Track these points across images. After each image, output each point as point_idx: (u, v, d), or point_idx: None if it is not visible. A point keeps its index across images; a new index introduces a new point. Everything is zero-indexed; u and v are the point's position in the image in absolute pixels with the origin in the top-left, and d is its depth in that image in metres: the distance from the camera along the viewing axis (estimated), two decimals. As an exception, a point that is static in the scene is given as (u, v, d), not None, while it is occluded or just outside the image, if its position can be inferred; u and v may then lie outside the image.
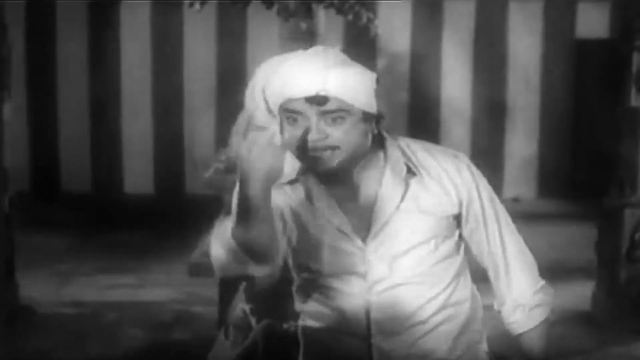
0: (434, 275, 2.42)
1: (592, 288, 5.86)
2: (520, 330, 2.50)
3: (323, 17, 6.67)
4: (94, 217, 8.22)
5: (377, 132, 2.38)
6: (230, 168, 6.74)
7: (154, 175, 9.16)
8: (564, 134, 9.10)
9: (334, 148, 2.29)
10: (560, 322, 5.60)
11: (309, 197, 2.43)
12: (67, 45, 9.03)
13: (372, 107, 2.32)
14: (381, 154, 2.41)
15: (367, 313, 2.42)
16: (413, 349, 2.43)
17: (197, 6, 6.59)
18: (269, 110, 2.40)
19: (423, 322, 2.43)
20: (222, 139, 8.62)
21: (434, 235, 2.41)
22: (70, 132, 9.12)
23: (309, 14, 6.52)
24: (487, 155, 8.79)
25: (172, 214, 8.04)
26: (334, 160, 2.30)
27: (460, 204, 2.43)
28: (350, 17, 6.56)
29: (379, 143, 2.41)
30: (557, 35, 8.96)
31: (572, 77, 9.04)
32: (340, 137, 2.28)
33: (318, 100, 2.26)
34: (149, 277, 6.58)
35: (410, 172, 2.40)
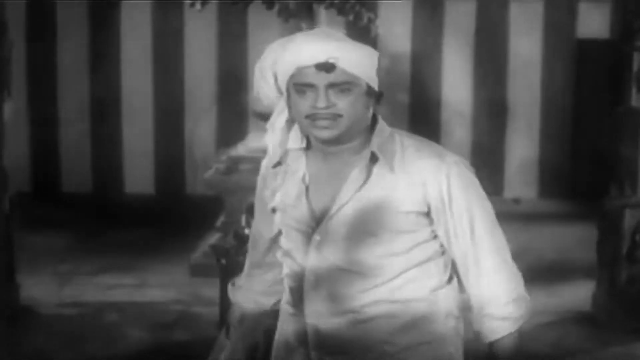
0: (376, 267, 2.43)
1: (592, 288, 5.86)
2: (485, 340, 2.47)
3: (324, 18, 6.67)
4: (95, 217, 8.22)
5: (373, 114, 2.46)
6: (231, 168, 6.75)
7: (155, 176, 9.16)
8: (564, 134, 9.10)
9: (337, 117, 2.38)
10: (561, 322, 5.60)
11: (288, 177, 2.51)
12: (68, 45, 9.03)
13: (374, 82, 2.43)
14: (367, 140, 2.46)
15: (302, 291, 2.50)
16: (346, 334, 2.46)
17: (197, 6, 6.58)
18: (277, 88, 2.49)
19: (355, 311, 2.45)
20: (222, 139, 8.63)
21: (386, 229, 2.42)
22: (71, 132, 9.12)
23: (309, 14, 6.52)
24: (488, 156, 8.79)
25: (173, 214, 8.04)
26: (336, 128, 2.39)
27: (429, 204, 2.43)
28: (351, 17, 6.55)
29: (371, 129, 2.47)
30: (558, 35, 8.96)
31: (572, 77, 9.03)
32: (345, 106, 2.38)
33: (327, 67, 2.36)
34: (150, 277, 6.58)
35: (374, 160, 2.43)
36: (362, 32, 6.69)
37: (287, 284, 2.57)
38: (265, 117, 7.56)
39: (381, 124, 2.48)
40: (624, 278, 5.62)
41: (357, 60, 2.39)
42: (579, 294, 5.88)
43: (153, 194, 9.10)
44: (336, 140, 2.42)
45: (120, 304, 5.98)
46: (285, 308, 2.60)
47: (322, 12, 6.63)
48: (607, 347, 5.35)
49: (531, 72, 9.02)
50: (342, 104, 2.37)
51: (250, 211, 4.32)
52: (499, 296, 2.43)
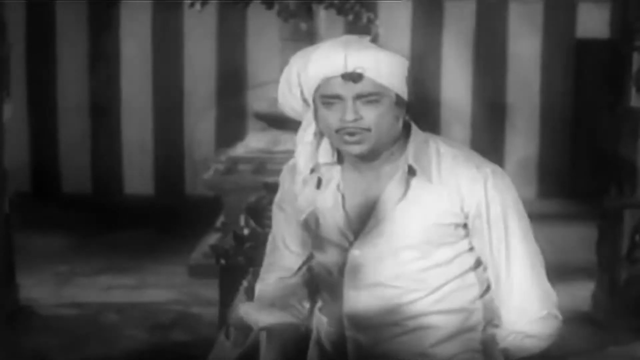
0: (417, 281, 2.38)
1: (592, 288, 5.86)
2: (510, 357, 2.43)
3: (323, 18, 6.67)
4: (94, 217, 8.22)
5: (404, 124, 2.39)
6: (230, 169, 6.74)
7: (154, 176, 9.15)
8: (564, 134, 9.10)
9: (365, 131, 2.31)
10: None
11: (323, 186, 2.45)
12: (67, 45, 9.03)
13: (404, 92, 2.35)
14: (402, 149, 2.40)
15: (341, 306, 2.44)
16: (387, 347, 2.42)
17: (197, 6, 6.58)
18: (304, 99, 2.41)
19: (396, 325, 2.40)
20: (222, 139, 8.63)
21: (426, 241, 2.37)
22: (70, 132, 9.12)
23: (309, 14, 6.51)
24: (487, 156, 8.74)
25: (172, 215, 8.04)
26: (366, 143, 2.32)
27: (467, 215, 2.38)
28: (350, 17, 6.55)
29: (404, 137, 2.40)
30: (557, 35, 8.96)
31: (572, 77, 9.03)
32: (373, 119, 2.31)
33: (354, 78, 2.29)
34: (149, 278, 6.58)
35: (412, 173, 2.37)
36: (361, 32, 6.70)
37: (322, 295, 2.52)
38: (264, 117, 7.55)
39: (415, 132, 2.41)
40: (623, 278, 5.62)
41: (385, 69, 2.31)
42: (578, 294, 5.87)
43: (152, 195, 9.09)
44: (368, 155, 2.36)
45: (119, 305, 5.98)
46: (322, 318, 2.54)
47: (321, 12, 6.63)
48: (607, 347, 5.34)
49: (531, 72, 9.02)
50: (371, 115, 2.30)
51: (249, 211, 4.32)
52: (528, 313, 2.38)
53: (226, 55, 8.96)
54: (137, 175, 9.12)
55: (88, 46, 9.05)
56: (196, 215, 7.43)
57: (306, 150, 2.44)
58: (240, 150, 6.92)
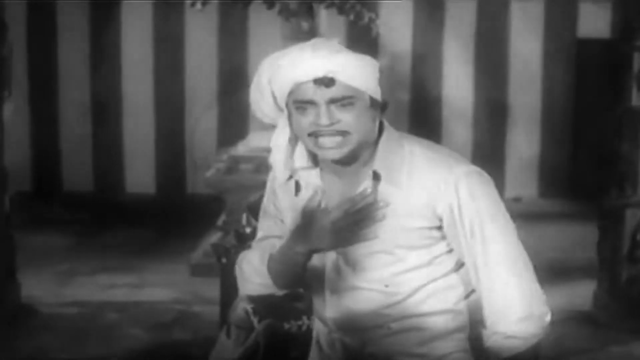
0: (395, 284, 2.38)
1: (593, 288, 5.86)
2: (495, 358, 2.40)
3: (324, 17, 6.67)
4: (95, 216, 8.23)
5: (379, 125, 2.38)
6: (231, 168, 6.75)
7: (155, 175, 9.16)
8: (565, 133, 9.10)
9: (344, 134, 2.29)
10: (561, 322, 5.60)
11: (302, 190, 2.45)
12: (68, 45, 9.03)
13: (377, 93, 2.33)
14: (375, 151, 2.38)
15: (325, 308, 2.46)
16: (374, 348, 2.43)
17: (198, 6, 6.58)
18: (277, 105, 2.39)
19: (379, 327, 2.41)
20: (223, 139, 8.63)
21: (399, 245, 2.35)
22: (72, 131, 9.12)
23: (310, 13, 6.51)
24: (489, 155, 8.79)
25: (173, 214, 8.04)
26: (345, 146, 2.30)
27: (440, 218, 2.35)
28: (351, 17, 6.55)
29: (377, 138, 2.39)
30: (559, 34, 8.95)
31: (573, 76, 9.03)
32: (350, 122, 2.29)
33: (326, 82, 2.26)
34: (150, 277, 6.58)
35: (377, 178, 2.35)
36: (362, 31, 6.71)
37: (312, 297, 2.54)
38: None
39: (387, 134, 2.39)
40: (624, 278, 5.62)
41: (357, 72, 2.28)
42: (579, 294, 5.87)
43: (154, 194, 9.10)
44: (345, 159, 2.33)
45: (120, 304, 5.98)
46: (317, 320, 2.58)
47: (322, 12, 6.63)
48: (607, 347, 5.34)
49: (532, 72, 9.01)
50: (347, 119, 2.27)
51: (251, 210, 4.32)
52: (508, 314, 2.34)
53: (227, 54, 8.97)
54: (139, 174, 9.12)
55: (89, 45, 9.06)
56: (197, 214, 7.44)
57: (281, 155, 2.44)
58: (241, 149, 6.92)
